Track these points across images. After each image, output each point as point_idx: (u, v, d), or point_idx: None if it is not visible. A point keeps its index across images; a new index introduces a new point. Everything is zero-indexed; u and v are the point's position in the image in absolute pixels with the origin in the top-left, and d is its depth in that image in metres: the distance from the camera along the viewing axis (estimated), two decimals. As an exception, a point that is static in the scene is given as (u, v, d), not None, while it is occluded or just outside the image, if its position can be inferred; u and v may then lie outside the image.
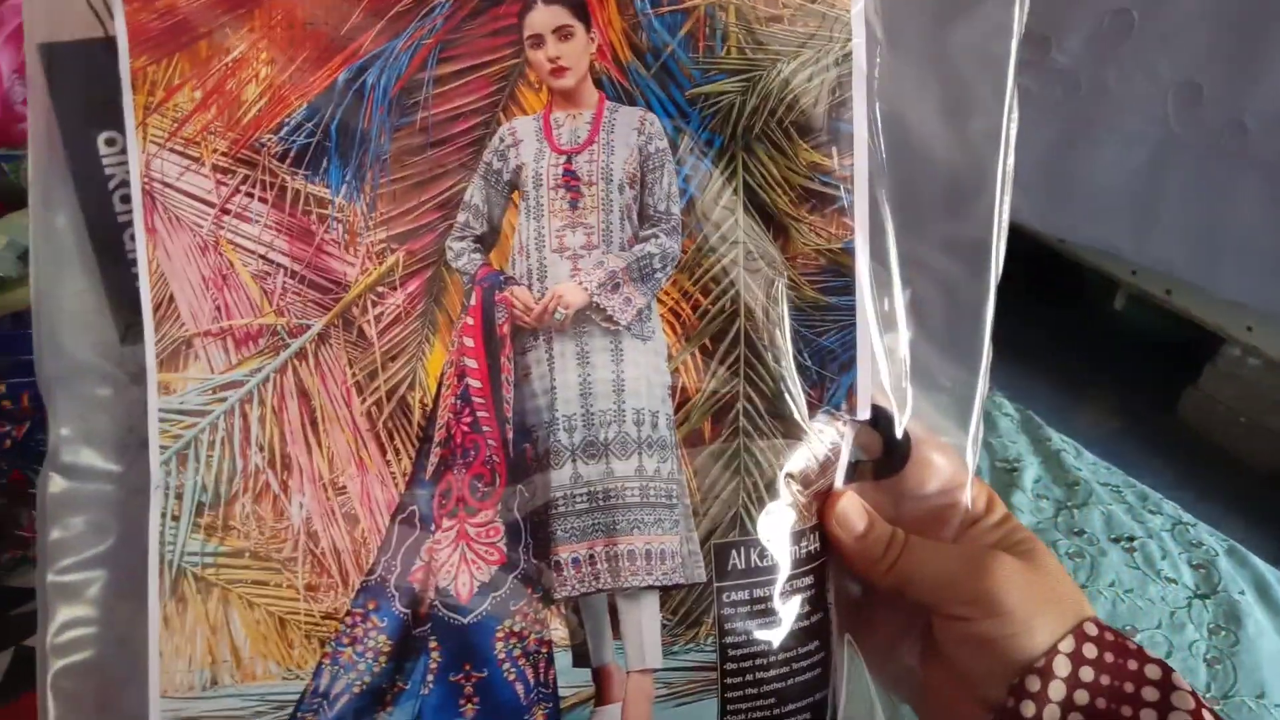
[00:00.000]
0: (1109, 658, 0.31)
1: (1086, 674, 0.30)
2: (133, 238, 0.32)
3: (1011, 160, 0.35)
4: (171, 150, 0.32)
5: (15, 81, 0.66)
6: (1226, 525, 0.83)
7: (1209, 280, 1.32)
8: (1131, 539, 0.75)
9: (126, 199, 0.33)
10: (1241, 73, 1.21)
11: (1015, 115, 0.35)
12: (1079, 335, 1.74)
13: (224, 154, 0.32)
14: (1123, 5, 1.29)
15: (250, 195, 0.33)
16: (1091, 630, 0.31)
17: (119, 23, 0.32)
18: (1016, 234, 0.35)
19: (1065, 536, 0.74)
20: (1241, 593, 0.69)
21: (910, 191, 0.35)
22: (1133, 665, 0.31)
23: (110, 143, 0.33)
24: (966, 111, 0.35)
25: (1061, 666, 0.30)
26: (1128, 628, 0.65)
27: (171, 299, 0.32)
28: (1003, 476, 0.80)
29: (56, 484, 0.33)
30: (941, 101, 0.35)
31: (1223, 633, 0.66)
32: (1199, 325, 1.44)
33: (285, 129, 0.32)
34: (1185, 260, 1.34)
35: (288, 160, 0.32)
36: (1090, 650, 0.31)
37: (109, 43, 0.32)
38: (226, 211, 0.33)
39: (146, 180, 0.32)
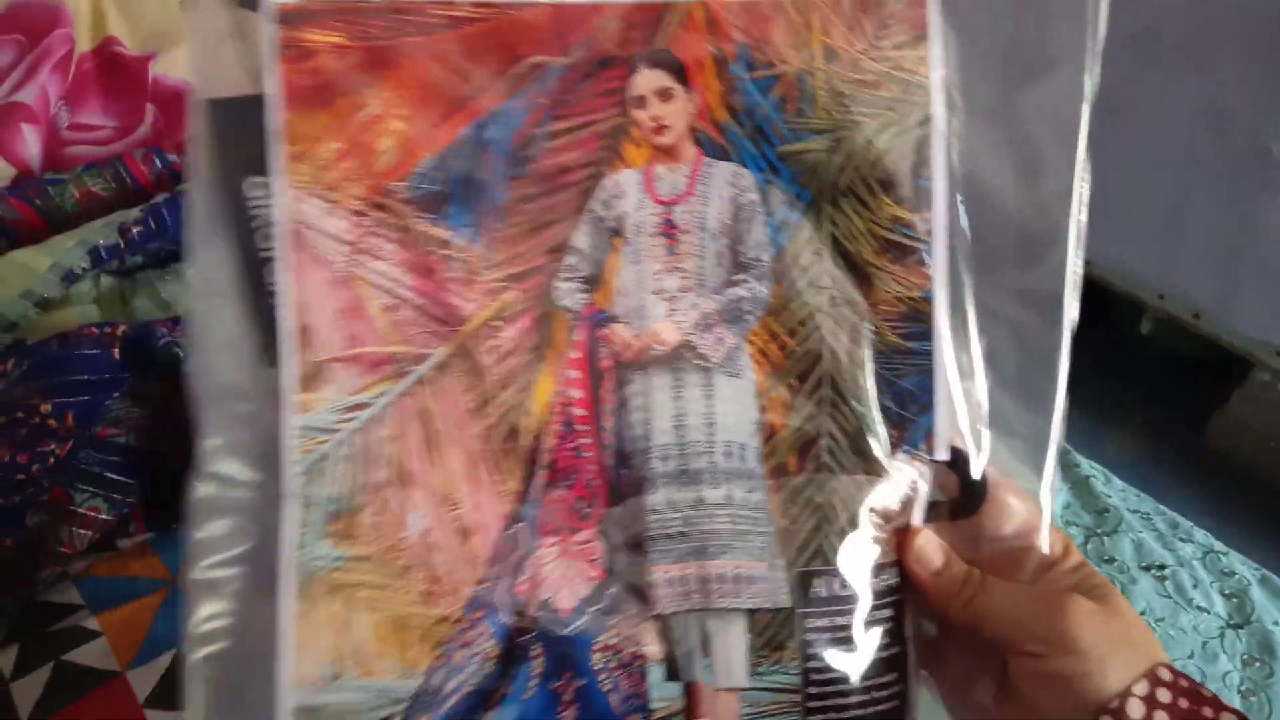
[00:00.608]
0: (1183, 704, 0.30)
1: (1160, 719, 0.29)
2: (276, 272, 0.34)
3: (1085, 216, 0.34)
4: (313, 195, 0.33)
5: (61, 108, 0.67)
6: (1257, 550, 0.80)
7: (1231, 313, 1.27)
8: (1162, 567, 0.72)
9: (272, 237, 0.34)
10: (1268, 97, 1.16)
11: (1088, 175, 0.34)
12: (1105, 360, 1.69)
13: (359, 198, 0.34)
14: (1149, 28, 1.23)
15: (381, 236, 0.34)
16: (1165, 675, 0.30)
17: (272, 81, 0.33)
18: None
19: (1095, 564, 0.71)
20: (1276, 623, 0.66)
21: (986, 245, 0.35)
22: (1208, 713, 0.30)
23: (260, 187, 0.34)
24: (1039, 171, 0.35)
25: (1135, 709, 0.29)
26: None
27: (309, 327, 0.34)
28: (1035, 502, 0.78)
29: (202, 490, 0.34)
30: (1015, 162, 0.35)
31: (1257, 664, 0.64)
32: (1227, 348, 1.40)
33: (413, 177, 0.34)
34: (1208, 292, 1.30)
35: (415, 205, 0.34)
36: (1164, 695, 0.30)
37: (260, 99, 0.33)
38: (360, 250, 0.34)
39: (290, 221, 0.33)
